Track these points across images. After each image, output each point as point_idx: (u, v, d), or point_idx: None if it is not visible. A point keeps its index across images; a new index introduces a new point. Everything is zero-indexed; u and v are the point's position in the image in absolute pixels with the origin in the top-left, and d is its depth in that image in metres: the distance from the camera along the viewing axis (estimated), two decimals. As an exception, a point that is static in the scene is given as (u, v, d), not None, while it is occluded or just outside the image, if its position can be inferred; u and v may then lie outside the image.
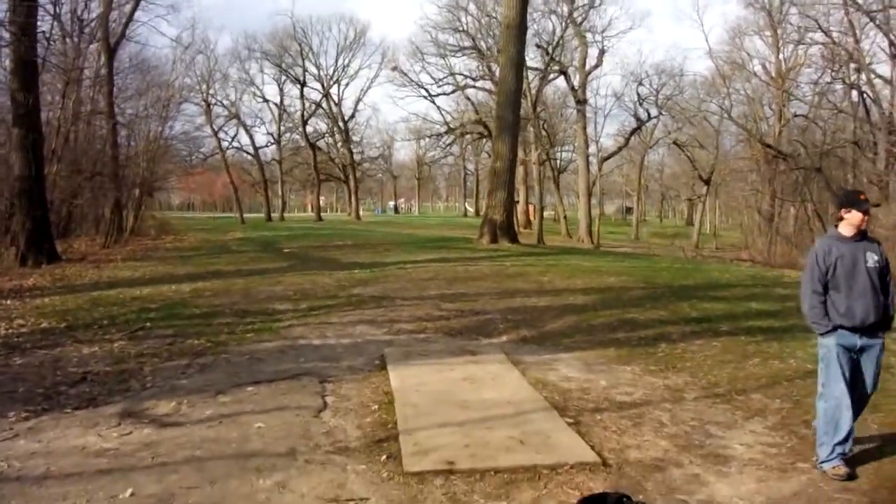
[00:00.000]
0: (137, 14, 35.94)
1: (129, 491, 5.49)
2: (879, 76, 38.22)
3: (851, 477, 5.85)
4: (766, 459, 6.22)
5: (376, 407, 7.56)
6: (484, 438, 6.41)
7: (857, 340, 6.02)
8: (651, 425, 7.04)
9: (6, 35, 21.49)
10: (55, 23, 30.93)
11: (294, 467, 5.94)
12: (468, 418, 7.00)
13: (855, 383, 6.08)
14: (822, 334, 6.13)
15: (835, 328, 6.05)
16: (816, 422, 6.23)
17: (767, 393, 8.13)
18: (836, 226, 6.23)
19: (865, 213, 6.04)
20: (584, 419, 7.17)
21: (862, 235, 6.11)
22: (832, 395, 6.05)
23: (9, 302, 14.76)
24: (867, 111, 37.69)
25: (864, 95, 37.91)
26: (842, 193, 7.69)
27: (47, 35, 28.21)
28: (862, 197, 6.18)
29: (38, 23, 23.05)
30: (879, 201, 29.49)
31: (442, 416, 7.04)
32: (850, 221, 6.06)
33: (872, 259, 6.06)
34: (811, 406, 7.44)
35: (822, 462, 5.99)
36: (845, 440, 5.94)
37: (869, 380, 6.10)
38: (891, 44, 35.95)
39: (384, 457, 6.14)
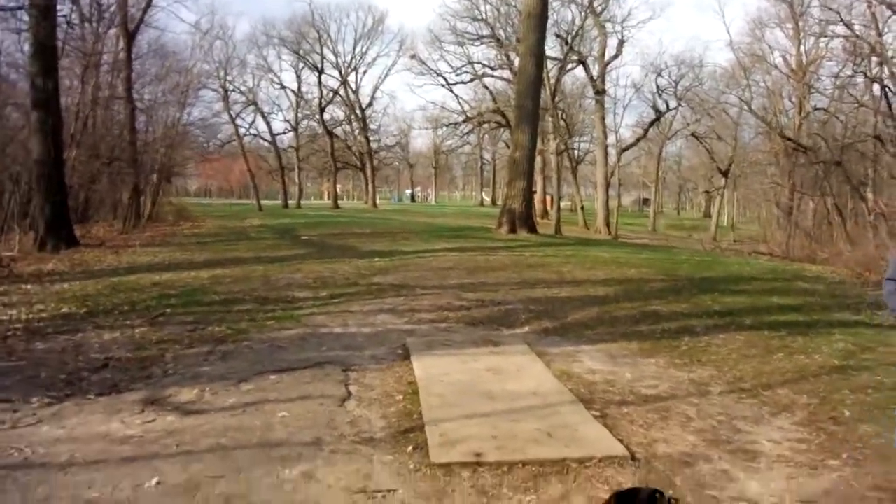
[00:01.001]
0: (156, -1, 35.90)
1: (155, 479, 5.43)
2: (902, 70, 37.91)
3: None
4: (796, 456, 6.12)
5: (400, 397, 7.50)
6: (511, 430, 6.34)
7: None
8: (678, 419, 6.96)
9: (26, 19, 21.52)
10: (74, 7, 30.97)
11: (320, 457, 5.88)
12: (494, 410, 6.93)
13: None
14: None
15: None
16: None
17: (794, 388, 8.02)
18: None
19: None
20: (611, 412, 7.09)
21: None
22: None
23: (28, 286, 14.78)
24: (889, 105, 37.32)
25: (886, 89, 37.55)
26: None
27: (67, 19, 28.21)
28: None
29: (58, 7, 23.05)
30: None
31: (467, 407, 6.98)
32: None
33: None
34: (839, 402, 7.39)
35: None
36: None
37: None
38: (914, 37, 35.68)
39: (410, 448, 6.08)
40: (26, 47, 23.96)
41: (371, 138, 77.30)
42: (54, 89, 21.80)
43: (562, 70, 54.87)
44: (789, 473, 5.77)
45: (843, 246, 23.85)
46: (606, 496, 5.00)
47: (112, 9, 34.22)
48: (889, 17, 37.28)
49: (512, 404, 7.05)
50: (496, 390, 7.54)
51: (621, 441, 6.23)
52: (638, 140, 66.64)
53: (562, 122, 56.61)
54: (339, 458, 5.89)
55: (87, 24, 33.06)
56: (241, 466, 5.70)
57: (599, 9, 56.72)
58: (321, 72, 71.82)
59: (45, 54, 21.38)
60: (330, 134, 72.30)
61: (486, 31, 60.81)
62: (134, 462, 5.77)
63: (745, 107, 51.89)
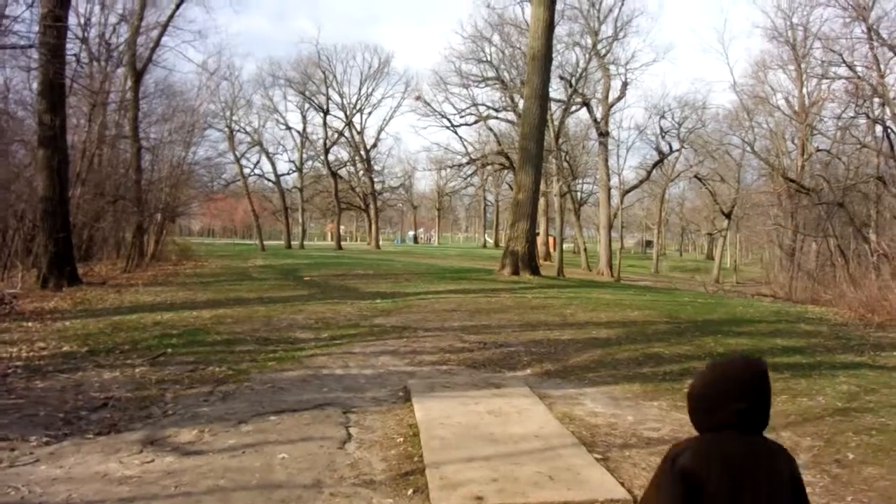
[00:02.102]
0: (164, 39, 36.16)
1: (152, 521, 5.41)
2: (904, 111, 37.97)
3: None
4: (800, 500, 6.06)
5: (401, 439, 7.46)
6: (512, 473, 6.29)
7: None
8: (681, 463, 6.90)
9: (36, 56, 21.63)
10: (83, 46, 31.21)
11: (320, 500, 5.84)
12: (495, 452, 6.89)
13: None
14: None
15: None
16: None
17: (797, 431, 7.97)
18: None
19: None
20: (613, 455, 7.05)
21: None
22: None
23: (30, 324, 14.76)
24: (892, 146, 37.37)
25: (889, 130, 37.62)
26: None
27: (76, 58, 28.42)
28: None
29: (68, 45, 23.19)
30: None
31: (468, 450, 6.93)
32: None
33: None
34: (843, 445, 7.34)
35: None
36: None
37: None
38: (916, 79, 35.75)
39: (411, 491, 6.04)
40: (35, 85, 24.15)
41: (375, 179, 77.47)
42: (61, 127, 21.85)
43: (565, 112, 55.03)
44: (793, 518, 5.70)
45: (846, 287, 23.73)
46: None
47: (120, 48, 34.56)
48: (891, 59, 37.37)
49: (513, 447, 7.01)
50: (498, 433, 7.49)
51: (623, 484, 6.18)
52: (641, 182, 66.77)
53: (565, 164, 56.79)
54: (339, 500, 5.85)
55: (95, 63, 33.36)
56: (239, 508, 5.65)
57: (603, 51, 57.00)
58: (326, 112, 72.15)
59: (53, 92, 21.46)
60: (334, 175, 72.49)
61: (490, 74, 61.13)
62: (132, 503, 5.73)
63: (748, 148, 52.05)
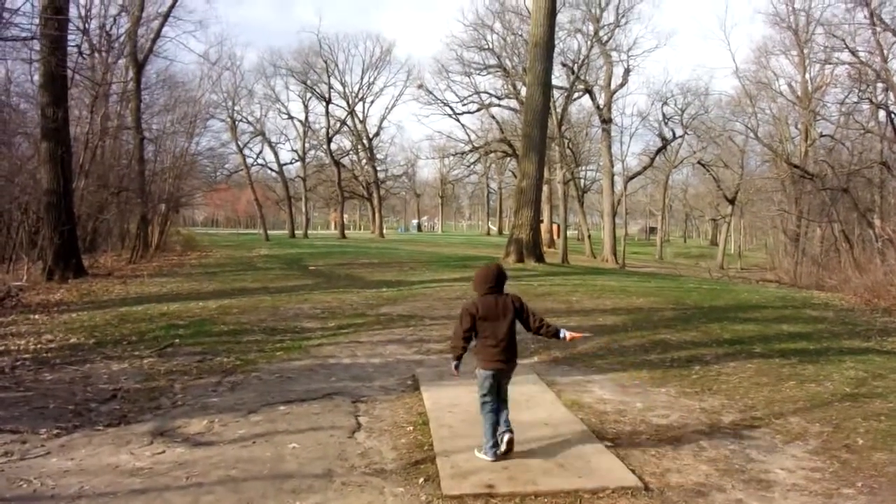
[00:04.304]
0: (165, 30, 36.12)
1: (165, 512, 5.41)
2: (907, 96, 37.88)
3: None
4: (810, 485, 6.06)
5: (411, 428, 7.46)
6: (523, 461, 6.29)
7: None
8: (690, 449, 6.91)
9: (38, 48, 21.61)
10: (84, 38, 31.15)
11: (331, 489, 5.84)
12: (505, 441, 6.89)
13: None
14: None
15: None
16: None
17: (806, 416, 7.97)
18: None
19: None
20: (623, 442, 7.05)
21: None
22: None
23: (36, 316, 14.79)
24: (895, 131, 37.34)
25: (892, 115, 37.53)
26: None
27: (78, 49, 28.37)
28: None
29: (69, 37, 23.15)
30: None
31: (478, 437, 6.92)
32: None
33: None
34: (851, 430, 7.34)
35: None
36: None
37: None
38: (919, 64, 35.65)
39: (422, 479, 6.04)
40: (37, 77, 24.16)
41: (378, 168, 77.53)
42: (64, 119, 21.87)
43: (568, 99, 54.94)
44: (804, 502, 5.71)
45: (851, 273, 23.75)
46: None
47: (121, 39, 34.51)
48: (894, 44, 37.30)
49: (523, 435, 6.99)
50: (507, 421, 7.49)
51: (634, 471, 6.18)
52: (644, 168, 66.78)
53: (568, 152, 56.70)
54: (350, 490, 5.85)
55: (96, 55, 33.30)
56: (251, 498, 5.66)
57: (605, 38, 56.93)
58: (329, 102, 72.14)
59: (56, 84, 21.47)
60: (337, 164, 72.48)
61: (492, 61, 61.07)
62: (144, 494, 5.74)
63: (751, 134, 52.06)
